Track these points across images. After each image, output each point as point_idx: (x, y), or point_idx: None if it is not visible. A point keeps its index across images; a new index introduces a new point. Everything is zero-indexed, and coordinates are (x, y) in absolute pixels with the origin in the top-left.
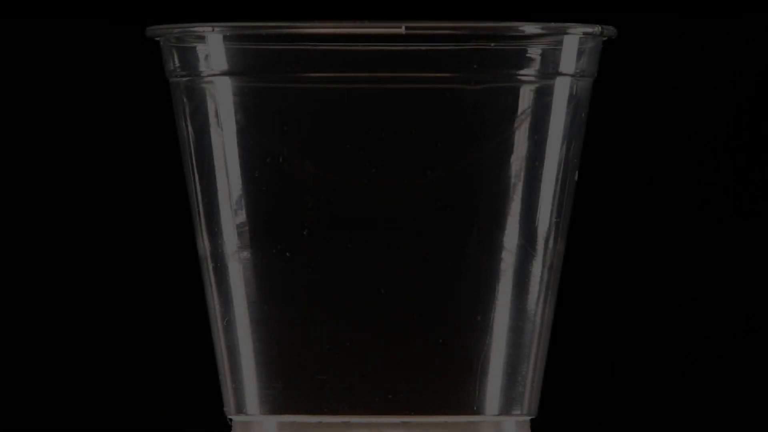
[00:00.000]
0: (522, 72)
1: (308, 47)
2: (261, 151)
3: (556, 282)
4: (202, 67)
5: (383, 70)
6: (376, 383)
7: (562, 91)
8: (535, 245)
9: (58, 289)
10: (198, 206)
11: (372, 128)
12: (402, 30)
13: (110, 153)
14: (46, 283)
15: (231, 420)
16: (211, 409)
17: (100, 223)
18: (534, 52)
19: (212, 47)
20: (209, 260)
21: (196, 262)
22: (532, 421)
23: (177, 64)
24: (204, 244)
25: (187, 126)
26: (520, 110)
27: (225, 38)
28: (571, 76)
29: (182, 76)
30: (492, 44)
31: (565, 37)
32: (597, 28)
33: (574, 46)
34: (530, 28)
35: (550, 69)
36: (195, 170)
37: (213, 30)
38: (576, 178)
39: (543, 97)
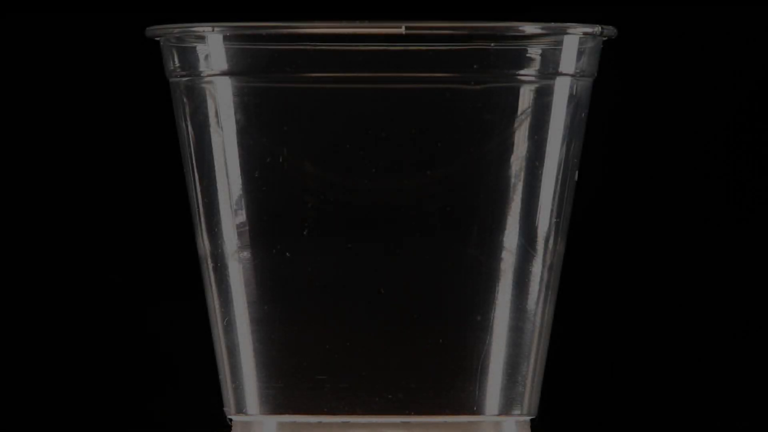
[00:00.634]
0: (522, 72)
1: (308, 47)
2: (261, 151)
3: (556, 282)
4: (202, 67)
5: (383, 70)
6: (376, 383)
7: (562, 91)
8: (535, 245)
9: (58, 289)
10: (198, 206)
11: (372, 128)
12: (402, 30)
13: (110, 153)
14: (46, 282)
15: (231, 420)
16: (211, 409)
17: (100, 223)
18: (534, 52)
19: (212, 47)
20: (209, 260)
21: (196, 262)
22: (532, 421)
23: (177, 64)
24: (204, 244)
25: (187, 126)
26: (520, 110)
27: (225, 38)
28: (571, 76)
29: (182, 76)
30: (492, 44)
31: (565, 37)
32: (597, 28)
33: (574, 46)
34: (530, 28)
35: (550, 69)
36: (195, 170)
37: (213, 30)
38: (576, 178)
39: (543, 97)
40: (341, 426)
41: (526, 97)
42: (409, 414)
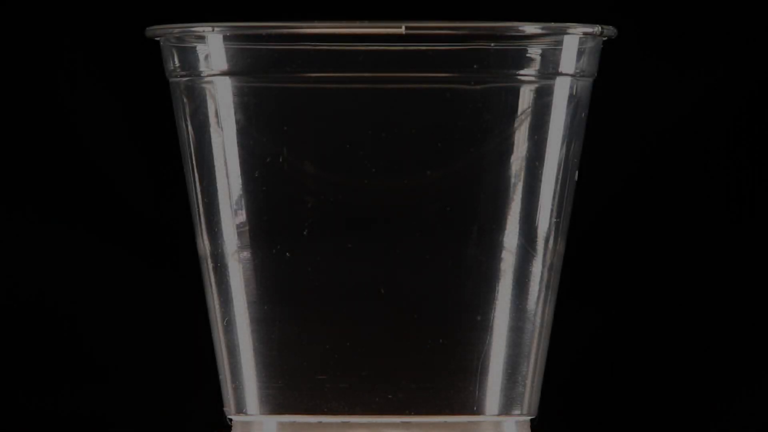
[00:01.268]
0: (522, 72)
1: (308, 47)
2: (261, 151)
3: (556, 282)
4: (202, 67)
5: (383, 70)
6: (376, 383)
7: (562, 91)
8: (535, 245)
9: (58, 289)
10: (198, 206)
11: (372, 128)
12: (402, 30)
13: (110, 153)
14: (46, 282)
15: (231, 420)
16: (211, 409)
17: (100, 223)
18: (534, 52)
19: (212, 47)
20: (209, 260)
21: (196, 262)
22: (532, 421)
23: (177, 64)
24: (204, 244)
25: (187, 126)
26: (520, 110)
27: (225, 38)
28: (571, 76)
29: (182, 76)
30: (492, 44)
31: (565, 37)
32: (597, 28)
33: (574, 46)
34: (530, 28)
35: (550, 69)
36: (195, 170)
37: (213, 30)
38: (576, 178)
39: (543, 97)
40: (341, 426)
41: (526, 97)
42: (408, 414)
